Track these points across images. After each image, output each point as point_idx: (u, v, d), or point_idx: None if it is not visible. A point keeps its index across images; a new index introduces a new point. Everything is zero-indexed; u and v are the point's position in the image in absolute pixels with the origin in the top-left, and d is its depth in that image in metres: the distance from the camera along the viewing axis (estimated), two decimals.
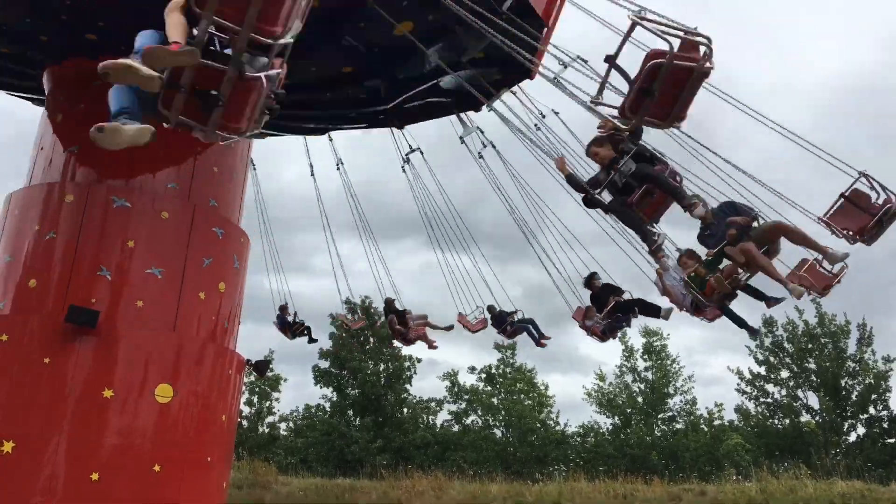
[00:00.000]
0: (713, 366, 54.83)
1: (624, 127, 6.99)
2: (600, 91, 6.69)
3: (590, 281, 13.12)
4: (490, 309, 15.83)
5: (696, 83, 6.24)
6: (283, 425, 35.92)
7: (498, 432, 33.52)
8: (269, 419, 35.63)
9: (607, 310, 12.83)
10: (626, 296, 12.65)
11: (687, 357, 58.01)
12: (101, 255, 9.60)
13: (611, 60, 6.55)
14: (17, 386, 8.67)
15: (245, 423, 33.85)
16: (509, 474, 26.95)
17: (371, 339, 35.33)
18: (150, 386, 9.22)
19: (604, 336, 13.65)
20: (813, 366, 28.72)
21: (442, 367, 41.75)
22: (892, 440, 27.20)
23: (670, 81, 6.12)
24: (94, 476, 8.47)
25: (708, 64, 6.01)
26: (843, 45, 79.29)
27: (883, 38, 74.25)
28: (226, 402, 10.43)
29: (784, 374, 29.51)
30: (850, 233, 8.32)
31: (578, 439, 33.05)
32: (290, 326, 17.69)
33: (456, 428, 34.59)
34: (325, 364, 34.59)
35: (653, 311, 12.76)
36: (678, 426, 31.14)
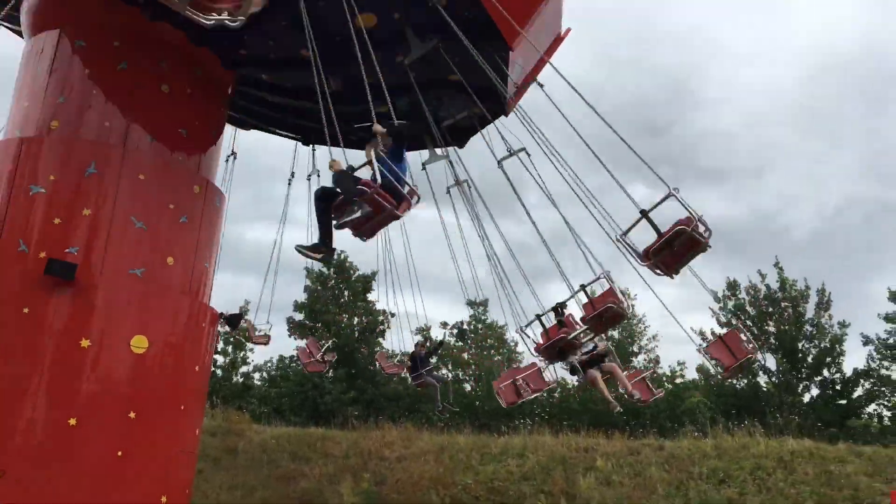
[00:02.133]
0: (689, 321, 55.99)
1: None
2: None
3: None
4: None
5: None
6: (256, 375, 36.53)
7: (467, 386, 34.35)
8: (244, 369, 36.19)
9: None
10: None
11: (659, 317, 59.44)
12: (81, 210, 9.88)
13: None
14: None
15: (219, 372, 34.36)
16: (476, 427, 27.76)
17: (345, 293, 35.81)
18: (126, 337, 9.63)
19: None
20: (772, 328, 29.68)
21: (415, 322, 42.40)
22: (842, 401, 28.34)
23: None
24: (72, 421, 8.92)
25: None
26: (830, 7, 79.82)
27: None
28: (199, 353, 10.88)
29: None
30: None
31: (544, 394, 33.94)
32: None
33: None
34: (299, 316, 35.07)
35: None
36: None
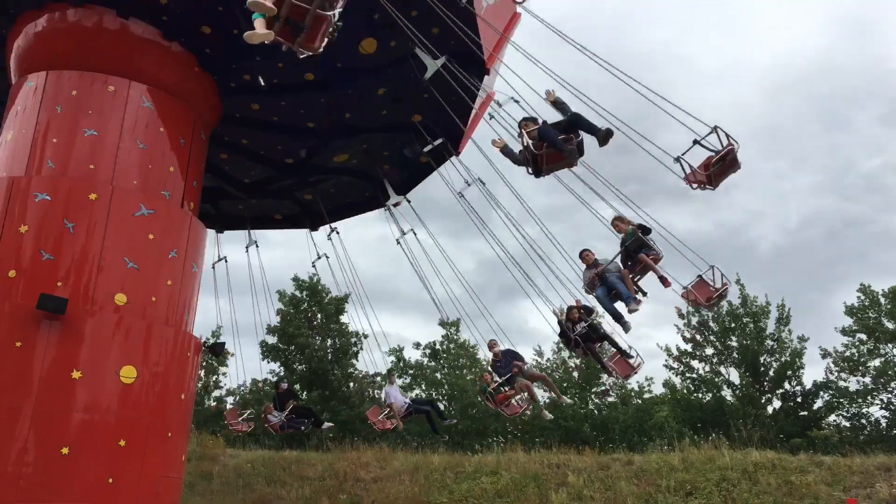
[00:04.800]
0: (656, 338, 57.26)
1: None
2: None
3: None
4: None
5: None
6: (229, 399, 36.43)
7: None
8: (216, 393, 36.16)
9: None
10: None
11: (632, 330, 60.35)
12: (69, 245, 10.33)
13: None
14: None
15: None
16: (450, 446, 28.07)
17: (318, 316, 36.02)
18: (115, 368, 9.98)
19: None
20: (735, 343, 30.60)
21: (388, 342, 42.73)
22: (804, 413, 29.26)
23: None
24: (65, 450, 9.24)
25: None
26: (792, 27, 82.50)
27: (830, 19, 77.58)
28: (184, 382, 11.25)
29: (708, 350, 31.37)
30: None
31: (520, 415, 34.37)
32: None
33: None
34: (272, 339, 35.16)
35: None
36: (610, 399, 32.76)
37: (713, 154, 10.35)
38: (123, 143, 11.42)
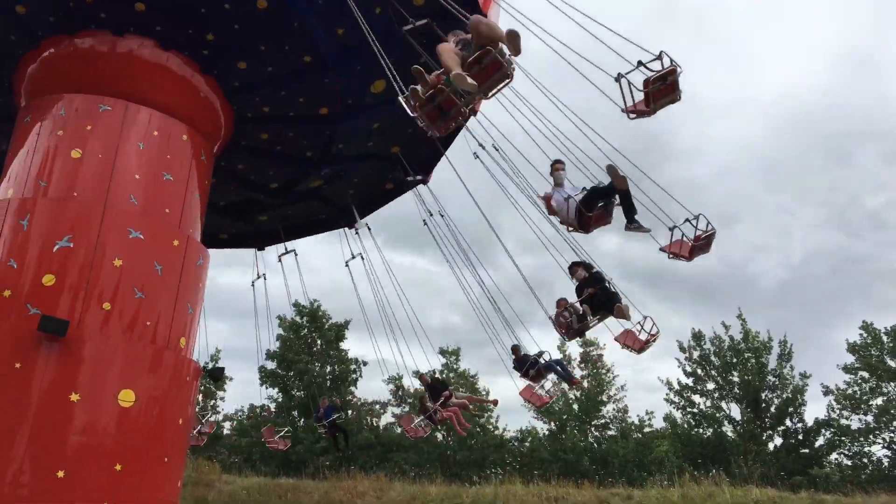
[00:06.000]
0: (658, 371, 56.93)
1: None
2: None
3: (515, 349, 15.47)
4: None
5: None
6: (227, 424, 36.26)
7: (439, 435, 34.45)
8: (213, 418, 35.91)
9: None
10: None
11: (633, 363, 60.15)
12: (157, 288, 10.77)
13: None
14: None
15: None
16: (448, 476, 27.88)
17: (318, 342, 35.95)
18: (114, 391, 9.91)
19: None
20: (736, 379, 30.48)
21: (387, 370, 42.47)
22: (805, 450, 29.04)
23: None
24: (60, 473, 9.13)
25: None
26: (797, 65, 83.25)
27: (833, 56, 78.31)
28: (182, 406, 11.14)
29: (710, 385, 31.24)
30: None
31: (516, 443, 34.20)
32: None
33: (399, 430, 35.42)
34: (271, 365, 35.08)
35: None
36: (610, 433, 32.57)
37: (654, 73, 10.06)
38: (189, 193, 11.97)
